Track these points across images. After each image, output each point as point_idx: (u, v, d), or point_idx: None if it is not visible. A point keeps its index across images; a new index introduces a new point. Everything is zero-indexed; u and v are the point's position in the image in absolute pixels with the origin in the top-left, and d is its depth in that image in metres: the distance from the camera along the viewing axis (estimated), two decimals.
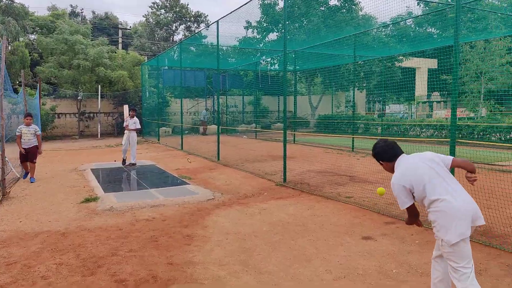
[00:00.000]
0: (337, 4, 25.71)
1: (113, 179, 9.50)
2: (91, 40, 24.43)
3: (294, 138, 19.67)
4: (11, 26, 21.85)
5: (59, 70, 22.06)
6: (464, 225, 2.76)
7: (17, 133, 9.09)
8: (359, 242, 4.98)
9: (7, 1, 22.28)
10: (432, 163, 3.02)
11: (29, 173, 9.29)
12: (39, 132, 9.48)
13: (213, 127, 24.67)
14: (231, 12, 12.37)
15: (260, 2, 28.63)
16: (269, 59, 26.58)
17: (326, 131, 22.24)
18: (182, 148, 16.52)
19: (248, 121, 30.38)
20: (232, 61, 26.37)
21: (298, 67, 22.91)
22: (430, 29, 28.97)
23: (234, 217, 6.21)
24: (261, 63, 26.69)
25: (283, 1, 16.75)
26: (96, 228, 5.60)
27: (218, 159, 12.79)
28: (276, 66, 27.55)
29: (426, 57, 24.98)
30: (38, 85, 15.48)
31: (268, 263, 4.36)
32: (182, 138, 17.03)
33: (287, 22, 13.08)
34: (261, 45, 26.21)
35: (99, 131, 22.99)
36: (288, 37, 21.22)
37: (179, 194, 7.57)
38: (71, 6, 46.44)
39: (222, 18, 12.68)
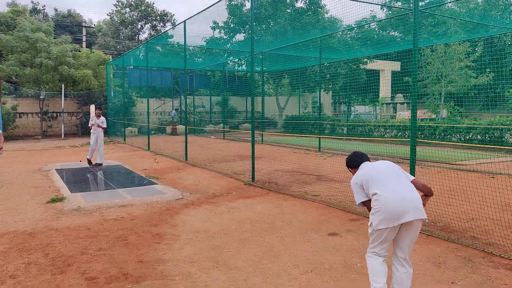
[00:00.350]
0: (303, 6, 26.21)
1: (79, 180, 9.36)
2: (54, 38, 23.68)
3: (262, 138, 19.97)
4: None
5: (20, 69, 21.26)
6: (387, 217, 3.14)
7: None
8: (325, 238, 5.23)
9: None
10: (386, 168, 3.42)
11: None
12: (1, 131, 9.16)
13: (182, 127, 24.56)
14: (198, 13, 12.43)
15: (227, 3, 28.86)
16: (236, 60, 26.76)
17: (293, 131, 22.69)
18: (149, 149, 16.39)
19: (216, 122, 30.43)
20: (199, 61, 26.34)
21: (265, 68, 23.21)
22: (394, 33, 30.15)
23: (203, 216, 6.34)
24: (229, 63, 26.83)
25: (250, 2, 17.03)
26: (64, 228, 5.57)
27: (186, 159, 12.83)
28: (244, 67, 27.77)
29: (390, 60, 26.02)
30: None
31: (237, 259, 4.53)
32: (148, 138, 16.90)
33: (254, 24, 13.34)
34: (228, 45, 26.31)
35: (62, 131, 22.34)
36: (256, 38, 21.52)
37: (147, 194, 7.61)
38: (32, 2, 44.69)
39: (189, 18, 12.72)
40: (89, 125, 11.80)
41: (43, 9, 46.17)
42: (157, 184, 8.74)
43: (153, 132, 24.78)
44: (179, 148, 15.66)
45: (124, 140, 20.41)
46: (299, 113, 27.63)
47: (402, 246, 3.28)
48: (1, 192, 7.93)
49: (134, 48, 27.19)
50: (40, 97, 22.26)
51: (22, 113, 22.52)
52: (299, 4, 26.61)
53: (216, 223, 5.94)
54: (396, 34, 29.48)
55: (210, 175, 10.12)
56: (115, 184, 8.65)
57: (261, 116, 22.95)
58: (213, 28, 25.76)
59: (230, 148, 16.90)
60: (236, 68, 28.01)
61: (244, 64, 27.30)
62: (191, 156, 13.09)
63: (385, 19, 23.84)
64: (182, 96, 28.71)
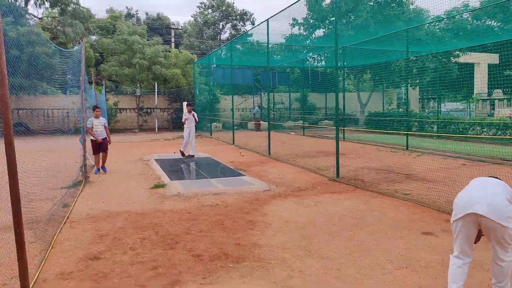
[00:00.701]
0: None
1: (175, 169, 10.22)
2: (147, 40, 25.77)
3: (343, 135, 19.73)
4: (78, 29, 23.60)
5: (120, 69, 23.53)
6: (457, 208, 3.25)
7: (88, 125, 9.52)
8: (419, 236, 5.12)
9: (74, 6, 24.06)
10: (487, 180, 3.45)
11: (101, 162, 9.94)
12: (107, 125, 10.27)
13: (264, 123, 25.25)
14: (280, 11, 12.79)
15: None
16: (315, 56, 26.65)
17: (377, 128, 22.03)
18: (233, 143, 17.16)
19: (295, 118, 30.64)
20: (278, 58, 26.75)
21: (346, 64, 22.81)
22: (490, 22, 27.58)
23: (291, 207, 6.60)
24: (308, 59, 26.81)
25: None
26: (168, 211, 6.22)
27: (269, 153, 13.24)
28: (323, 63, 27.55)
29: (487, 52, 23.87)
30: (103, 82, 16.71)
31: (328, 250, 4.69)
32: (233, 133, 17.68)
33: (333, 18, 13.27)
34: (307, 41, 26.28)
35: (156, 125, 24.29)
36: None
37: (237, 184, 8.09)
38: (127, 8, 48.92)
39: (271, 17, 13.11)
40: (183, 120, 12.75)
41: (136, 14, 50.23)
42: (245, 175, 9.22)
43: (236, 127, 25.81)
44: (262, 143, 16.16)
45: (211, 135, 21.56)
46: (383, 109, 26.70)
47: (492, 246, 3.27)
48: (112, 178, 9.01)
49: (218, 48, 28.44)
50: (136, 94, 24.43)
51: (122, 108, 24.90)
52: None
53: (303, 215, 6.16)
54: (493, 23, 26.97)
55: (293, 170, 10.38)
56: (207, 174, 9.31)
57: (341, 113, 22.64)
58: (292, 25, 25.91)
59: (311, 144, 17.01)
60: (316, 64, 27.89)
61: (323, 59, 27.08)
62: (273, 151, 13.48)
63: (481, 8, 21.90)
64: (262, 93, 29.37)
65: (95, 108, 9.95)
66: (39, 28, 18.86)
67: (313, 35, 26.84)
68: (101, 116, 10.01)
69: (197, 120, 12.64)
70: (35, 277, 3.75)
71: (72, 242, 4.75)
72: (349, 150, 14.11)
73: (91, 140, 9.71)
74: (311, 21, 26.55)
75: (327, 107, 32.15)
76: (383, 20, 22.07)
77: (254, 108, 28.32)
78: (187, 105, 12.76)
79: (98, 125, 9.68)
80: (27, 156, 4.95)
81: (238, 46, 24.70)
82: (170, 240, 4.90)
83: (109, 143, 10.08)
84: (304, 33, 26.89)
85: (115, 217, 5.84)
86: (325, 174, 9.64)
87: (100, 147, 9.74)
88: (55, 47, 9.16)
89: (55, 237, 4.93)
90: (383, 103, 26.94)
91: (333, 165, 9.60)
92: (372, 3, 25.63)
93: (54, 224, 5.41)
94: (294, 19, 25.36)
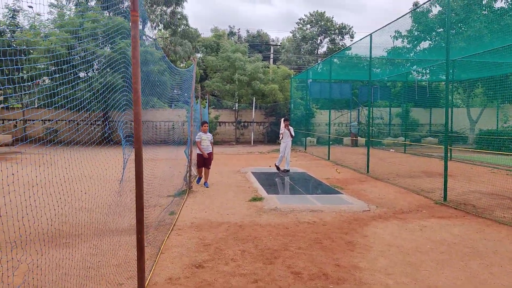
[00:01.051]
0: (504, 6, 22.77)
1: (272, 183, 10.38)
2: (248, 57, 26.91)
3: (450, 155, 18.14)
4: (187, 47, 25.67)
5: (222, 84, 24.92)
6: None
7: (197, 139, 9.69)
8: None
9: (184, 27, 26.25)
10: None
11: (203, 178, 9.90)
12: (212, 140, 10.72)
13: (361, 139, 24.49)
14: (385, 26, 12.40)
15: (412, 11, 27.21)
16: (420, 69, 25.19)
17: (490, 148, 19.83)
18: (329, 158, 16.88)
19: (395, 134, 29.11)
20: (378, 72, 25.86)
21: (455, 77, 21.07)
22: None
23: (393, 230, 6.22)
24: (412, 73, 25.47)
25: (438, 8, 15.71)
26: (266, 225, 6.31)
27: (368, 171, 12.72)
28: (428, 76, 25.93)
29: None
30: (207, 97, 17.81)
31: (437, 279, 4.31)
32: (329, 148, 17.40)
33: (441, 30, 12.37)
34: (411, 54, 25.00)
35: (252, 138, 25.09)
36: (443, 45, 19.80)
37: (335, 203, 7.89)
38: (229, 27, 51.74)
39: (375, 32, 12.76)
40: (279, 136, 12.91)
41: (238, 32, 52.88)
42: (342, 194, 8.97)
43: (331, 142, 25.42)
44: (359, 159, 15.62)
45: (305, 149, 21.54)
46: (497, 127, 23.98)
47: None
48: (212, 188, 9.48)
49: (316, 63, 28.48)
50: (235, 108, 25.57)
51: (221, 122, 26.27)
52: (498, 4, 23.29)
53: (408, 239, 5.75)
54: None
55: (394, 190, 9.81)
56: (304, 190, 9.27)
57: (450, 130, 20.85)
58: (395, 38, 24.88)
59: (413, 163, 15.95)
60: (420, 77, 26.35)
61: (428, 73, 25.49)
62: (372, 169, 12.92)
63: None
64: (360, 108, 28.56)
65: (203, 123, 10.09)
66: (153, 48, 20.94)
67: (418, 48, 25.45)
68: (208, 131, 10.10)
69: (293, 135, 12.70)
70: (147, 281, 4.07)
71: (179, 249, 5.07)
72: (458, 171, 12.91)
73: (198, 154, 9.83)
74: (416, 33, 25.23)
75: (431, 123, 30.01)
76: (499, 30, 20.01)
77: (353, 122, 27.62)
78: (284, 120, 12.92)
79: (206, 140, 9.80)
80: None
81: (335, 60, 24.47)
82: (269, 254, 4.95)
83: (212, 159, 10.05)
84: (408, 46, 25.65)
85: (216, 227, 6.11)
86: (431, 196, 8.93)
87: (205, 162, 9.83)
88: (170, 65, 10.01)
89: (164, 243, 5.32)
90: (497, 120, 24.20)
91: (440, 187, 8.87)
92: (486, 12, 23.46)
93: (163, 230, 5.84)
94: (397, 32, 24.36)
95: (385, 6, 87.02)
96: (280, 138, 12.87)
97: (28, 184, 3.65)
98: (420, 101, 26.02)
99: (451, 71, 19.22)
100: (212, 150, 10.13)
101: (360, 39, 15.56)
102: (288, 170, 12.38)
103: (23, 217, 4.26)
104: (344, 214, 7.21)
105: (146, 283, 3.97)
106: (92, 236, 5.54)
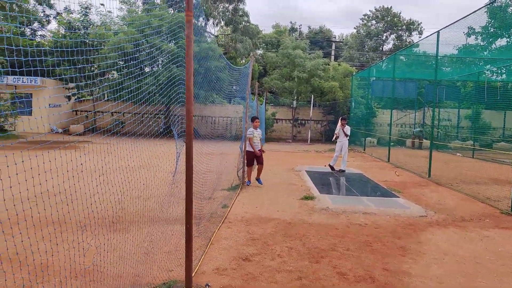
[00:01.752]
0: None
1: (325, 182, 10.28)
2: (309, 54, 26.67)
3: None
4: (247, 44, 26.05)
5: (281, 82, 24.98)
6: None
7: (249, 135, 9.25)
8: None
9: (245, 23, 26.64)
10: None
11: (256, 174, 9.54)
12: (262, 137, 10.67)
13: (426, 142, 23.40)
14: (455, 22, 11.68)
15: (488, 6, 25.34)
16: (495, 69, 23.43)
17: None
18: (388, 160, 16.30)
19: (463, 138, 27.32)
20: (447, 71, 24.42)
21: None
22: None
23: (451, 238, 5.91)
24: (485, 72, 23.78)
25: None
26: (315, 224, 6.30)
27: (429, 175, 12.11)
28: (504, 76, 24.10)
29: None
30: (264, 94, 17.97)
31: None
32: (389, 150, 16.79)
33: None
34: (485, 52, 23.27)
35: (309, 136, 24.92)
36: None
37: (390, 206, 7.65)
38: (291, 23, 51.54)
39: (443, 28, 12.08)
40: (335, 133, 12.67)
41: (299, 28, 52.48)
42: (399, 197, 8.66)
43: (392, 144, 24.49)
44: (421, 163, 14.92)
45: (364, 150, 20.97)
46: None
47: None
48: (265, 185, 9.60)
49: (380, 60, 27.55)
50: (293, 106, 25.51)
51: (278, 119, 26.36)
52: None
53: (465, 249, 5.44)
54: None
55: (457, 196, 9.27)
56: (358, 191, 9.08)
57: None
58: (468, 35, 23.28)
59: (480, 168, 14.90)
60: (495, 78, 24.55)
61: (505, 73, 23.66)
62: (434, 173, 12.28)
63: None
64: (426, 109, 27.18)
65: (254, 118, 9.50)
66: (215, 44, 21.54)
67: (494, 45, 23.65)
68: (258, 128, 9.57)
69: (348, 134, 12.33)
70: (196, 269, 4.27)
71: (228, 242, 5.25)
72: None
73: (247, 151, 9.42)
74: (492, 30, 23.44)
75: (505, 127, 27.76)
76: None
77: (416, 129, 26.39)
78: (341, 119, 12.64)
79: (257, 136, 9.38)
80: (198, 159, 5.70)
81: (401, 57, 23.45)
82: (316, 253, 4.95)
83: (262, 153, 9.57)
84: (482, 43, 23.93)
85: (266, 223, 6.21)
86: (497, 205, 8.33)
87: (257, 159, 9.42)
88: (226, 62, 10.24)
89: (214, 234, 5.53)
90: None
91: (508, 196, 8.23)
92: None
93: (214, 222, 6.06)
94: (470, 28, 22.79)
95: (460, 3, 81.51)
96: (335, 137, 12.63)
97: (95, 173, 4.00)
98: (492, 103, 24.20)
99: None
100: (261, 146, 9.77)
101: (427, 36, 14.79)
102: (343, 171, 12.15)
103: (91, 204, 4.69)
104: (399, 218, 6.97)
105: (194, 272, 4.17)
106: (148, 223, 5.90)
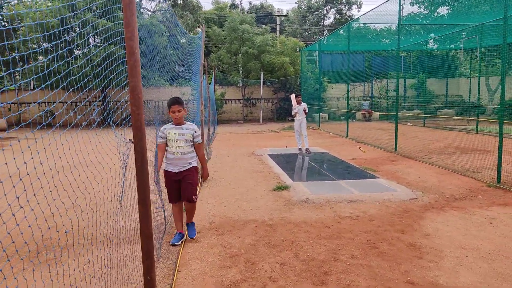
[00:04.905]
0: None
1: (293, 166, 9.20)
2: (256, 29, 25.30)
3: (477, 127, 16.85)
4: (188, 20, 24.03)
5: (230, 58, 23.38)
6: None
7: (159, 139, 4.52)
8: None
9: None
10: None
11: (188, 218, 4.73)
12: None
13: (376, 113, 23.26)
14: None
15: None
16: (437, 37, 23.72)
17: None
18: (347, 136, 15.64)
19: (409, 107, 27.74)
20: (387, 42, 24.57)
21: (483, 44, 19.52)
22: None
23: (458, 225, 5.06)
24: (429, 42, 24.05)
25: None
26: (301, 222, 5.16)
27: (396, 149, 11.50)
28: (446, 45, 24.60)
29: None
30: (212, 73, 16.46)
31: None
32: (347, 125, 16.12)
33: None
34: (428, 21, 23.42)
35: (261, 116, 23.80)
36: (466, 9, 18.39)
37: (374, 190, 6.72)
38: None
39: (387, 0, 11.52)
40: (293, 114, 11.57)
41: (240, 3, 50.56)
42: (378, 177, 7.79)
43: (342, 118, 24.13)
44: (380, 135, 14.41)
45: (319, 126, 20.27)
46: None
47: None
48: (228, 175, 8.30)
49: (328, 34, 26.89)
50: (241, 85, 24.13)
51: (228, 99, 24.89)
52: None
53: (482, 238, 4.59)
54: None
55: (434, 171, 8.61)
56: (332, 174, 8.08)
57: (464, 101, 19.54)
58: (411, 4, 23.23)
59: (439, 137, 14.67)
60: (437, 46, 25.04)
61: (446, 41, 24.08)
62: (399, 146, 11.70)
63: None
64: (375, 81, 27.11)
65: (172, 102, 4.40)
66: (156, 20, 19.43)
67: (435, 14, 23.82)
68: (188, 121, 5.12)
69: (307, 111, 11.42)
70: None
71: (199, 264, 3.93)
72: (490, 146, 11.61)
73: (164, 172, 4.56)
74: None
75: (448, 95, 28.53)
76: None
77: (363, 104, 26.20)
78: (296, 96, 11.52)
79: (182, 139, 4.43)
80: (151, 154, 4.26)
81: (342, 31, 22.98)
82: (317, 268, 3.80)
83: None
84: (425, 12, 24.01)
85: (241, 228, 4.96)
86: (479, 177, 7.74)
87: (182, 189, 4.52)
88: (182, 29, 8.56)
89: (180, 254, 4.17)
90: None
91: (486, 166, 7.77)
92: None
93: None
94: None
95: None
96: (294, 116, 11.53)
97: (15, 176, 2.47)
98: (435, 72, 24.64)
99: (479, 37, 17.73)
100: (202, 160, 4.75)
101: (378, 6, 14.10)
102: (308, 150, 11.15)
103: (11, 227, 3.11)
104: (390, 204, 6.04)
105: None
106: (91, 247, 4.40)
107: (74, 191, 3.19)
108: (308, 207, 5.86)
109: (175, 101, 4.35)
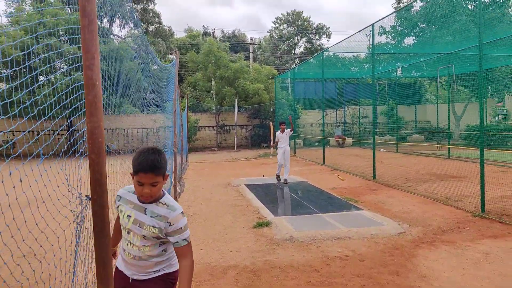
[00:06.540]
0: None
1: (273, 198, 8.76)
2: (230, 56, 25.33)
3: (448, 153, 17.04)
4: (160, 47, 23.72)
5: (204, 82, 23.11)
6: None
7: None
8: None
9: (157, 25, 24.31)
10: None
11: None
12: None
13: (349, 140, 23.38)
14: (366, 27, 11.49)
15: (395, 6, 26.31)
16: (405, 66, 24.45)
17: (476, 144, 18.86)
18: (324, 163, 15.42)
19: (381, 133, 28.14)
20: (355, 70, 25.31)
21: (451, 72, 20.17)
22: None
23: (452, 263, 4.73)
24: (397, 70, 24.79)
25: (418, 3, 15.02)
26: (287, 266, 4.69)
27: (374, 177, 11.31)
28: (414, 73, 25.46)
29: None
30: (185, 99, 16.04)
31: None
32: (324, 152, 15.93)
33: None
34: (395, 50, 24.20)
35: (235, 143, 23.39)
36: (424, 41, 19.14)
37: (360, 224, 6.36)
38: (203, 27, 49.69)
39: (360, 30, 11.81)
40: (276, 141, 11.22)
41: (212, 32, 50.95)
42: (362, 209, 7.45)
43: (316, 144, 24.10)
44: (357, 162, 14.28)
45: (295, 153, 20.02)
46: (485, 122, 23.18)
47: None
48: (204, 210, 7.76)
49: (303, 62, 27.28)
50: (215, 111, 23.77)
51: (201, 126, 24.41)
52: None
53: (481, 278, 4.27)
54: None
55: (416, 200, 8.39)
56: (315, 207, 7.69)
57: (433, 127, 19.98)
58: (379, 34, 23.97)
59: (413, 164, 14.68)
60: (403, 74, 25.92)
61: (414, 70, 24.92)
62: (378, 173, 11.53)
63: None
64: (347, 108, 27.45)
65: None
66: (126, 45, 18.93)
67: (402, 44, 24.63)
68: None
69: (292, 130, 11.22)
70: None
71: None
72: (465, 172, 11.61)
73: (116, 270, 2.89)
74: (399, 29, 24.37)
75: (417, 121, 29.21)
76: (485, 23, 19.29)
77: (336, 130, 26.46)
78: (280, 124, 11.21)
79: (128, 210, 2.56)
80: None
81: (311, 60, 23.39)
82: None
83: None
84: (392, 42, 24.78)
85: (221, 277, 4.43)
86: (462, 207, 7.56)
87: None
88: (153, 56, 8.15)
89: None
90: (481, 115, 23.51)
91: (466, 194, 7.59)
92: (472, 7, 22.85)
93: None
94: (381, 28, 23.36)
95: (348, 10, 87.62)
96: (274, 144, 11.14)
97: None
98: (403, 99, 25.36)
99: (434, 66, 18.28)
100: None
101: (359, 31, 14.26)
102: (286, 181, 10.77)
103: None
104: (378, 240, 5.68)
105: None
106: None
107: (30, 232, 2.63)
108: (293, 247, 5.40)
109: (151, 167, 2.08)
